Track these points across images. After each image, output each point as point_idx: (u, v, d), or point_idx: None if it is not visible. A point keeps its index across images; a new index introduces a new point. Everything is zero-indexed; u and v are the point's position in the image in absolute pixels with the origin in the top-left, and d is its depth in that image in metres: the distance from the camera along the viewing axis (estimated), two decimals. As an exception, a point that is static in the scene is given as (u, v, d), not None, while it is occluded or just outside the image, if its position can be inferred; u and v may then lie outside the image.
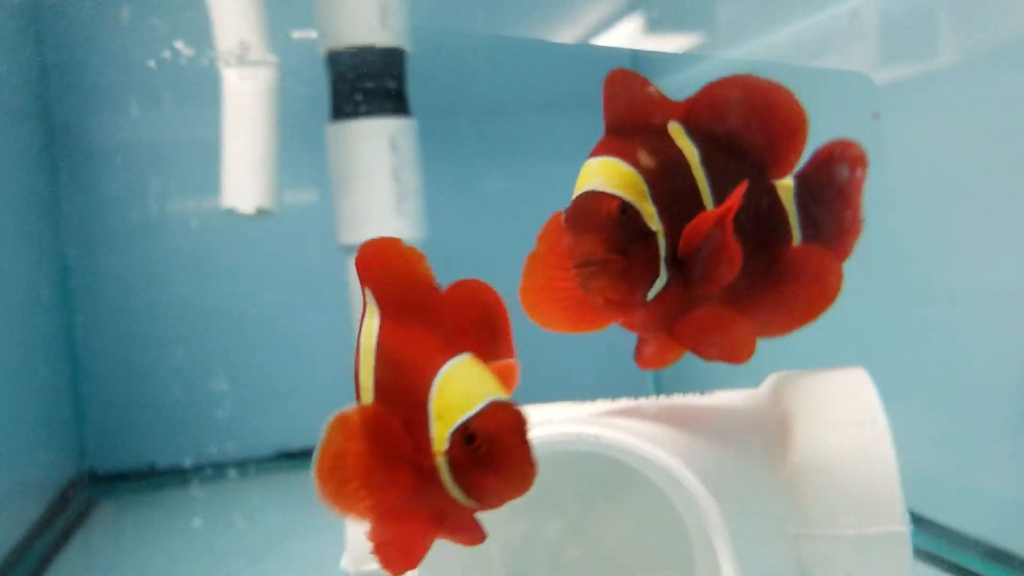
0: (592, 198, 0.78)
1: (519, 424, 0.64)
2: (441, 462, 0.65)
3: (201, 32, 1.40)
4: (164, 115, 1.76)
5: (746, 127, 0.85)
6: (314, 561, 1.43)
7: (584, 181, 0.79)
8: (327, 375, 1.79)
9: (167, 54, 1.55)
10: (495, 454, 0.64)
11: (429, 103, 1.63)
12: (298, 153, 1.58)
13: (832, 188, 0.91)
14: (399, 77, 1.54)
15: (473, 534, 0.69)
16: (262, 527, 1.68)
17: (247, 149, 1.37)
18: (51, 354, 1.84)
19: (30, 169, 1.77)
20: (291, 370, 2.02)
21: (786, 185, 0.90)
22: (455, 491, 0.65)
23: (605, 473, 1.02)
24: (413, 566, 0.67)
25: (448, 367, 0.66)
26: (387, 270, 0.71)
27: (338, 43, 1.48)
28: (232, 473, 1.97)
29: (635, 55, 1.95)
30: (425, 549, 0.68)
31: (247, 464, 2.00)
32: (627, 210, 0.77)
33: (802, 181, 0.91)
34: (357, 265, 0.72)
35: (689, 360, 0.87)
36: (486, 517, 0.69)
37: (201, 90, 1.46)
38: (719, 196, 0.83)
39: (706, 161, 0.84)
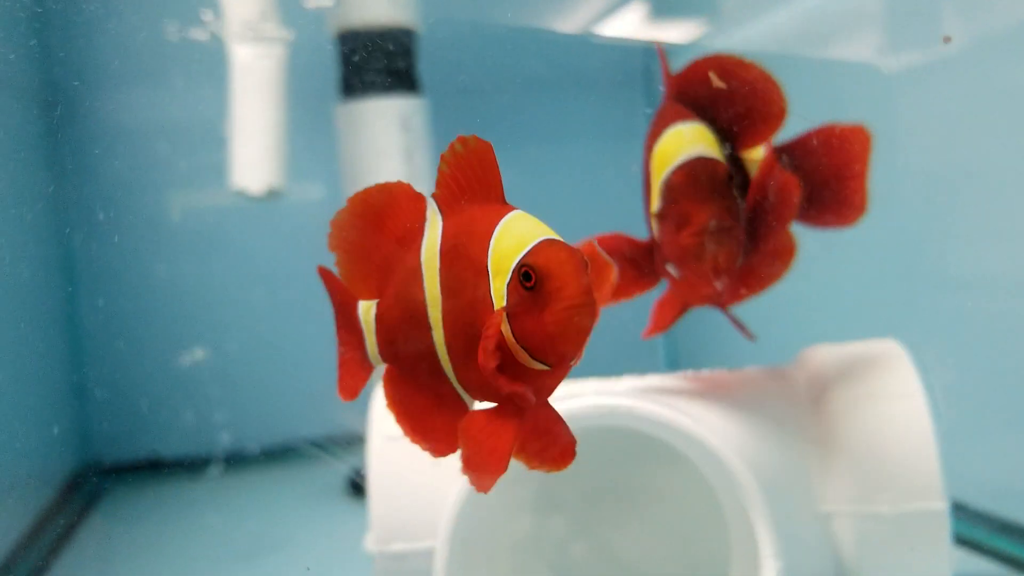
0: (707, 164, 0.78)
1: (574, 257, 0.60)
2: (505, 326, 0.60)
3: (208, 7, 1.37)
4: (171, 96, 1.73)
5: (726, 100, 0.86)
6: (327, 551, 1.41)
7: (684, 146, 0.79)
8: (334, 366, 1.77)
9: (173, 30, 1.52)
10: (552, 291, 0.59)
11: (439, 82, 1.61)
12: (306, 134, 1.55)
13: (832, 163, 0.91)
14: (410, 57, 1.51)
15: (559, 440, 0.63)
16: (271, 519, 1.65)
17: (256, 129, 1.34)
18: (54, 345, 1.81)
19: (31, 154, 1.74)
20: (299, 360, 1.99)
21: (755, 158, 0.90)
22: (522, 353, 0.60)
23: (630, 457, 0.99)
24: (502, 468, 0.61)
25: (500, 226, 0.62)
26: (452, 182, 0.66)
27: (349, 22, 1.44)
28: (238, 465, 1.95)
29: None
30: (510, 447, 0.61)
31: (252, 456, 1.98)
32: (732, 176, 0.79)
33: (796, 152, 0.91)
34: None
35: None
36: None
37: (209, 69, 1.42)
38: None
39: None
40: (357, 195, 0.67)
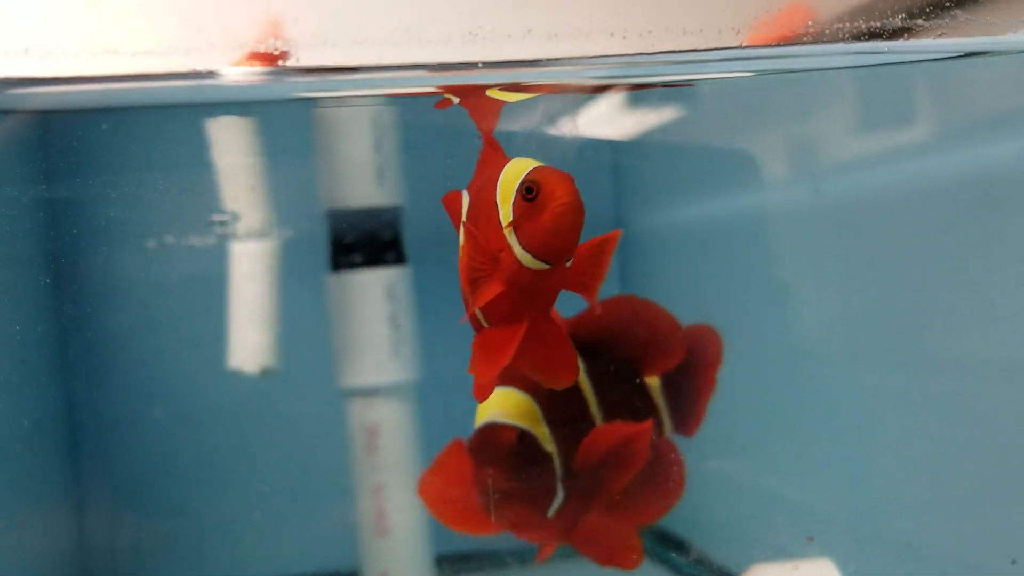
0: (491, 430, 0.87)
1: (564, 174, 0.76)
2: (510, 236, 0.77)
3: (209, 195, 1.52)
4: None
5: (626, 338, 0.95)
6: None
7: (484, 412, 0.88)
8: (329, 511, 1.83)
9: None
10: (548, 195, 0.74)
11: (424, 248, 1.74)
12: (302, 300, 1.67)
13: (689, 380, 1.00)
14: (396, 230, 1.65)
15: (562, 353, 0.80)
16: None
17: (250, 313, 1.47)
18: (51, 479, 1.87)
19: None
20: (293, 505, 2.04)
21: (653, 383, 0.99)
22: (524, 257, 0.77)
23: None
24: (494, 371, 0.78)
25: (504, 168, 0.81)
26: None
27: (337, 204, 1.59)
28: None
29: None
30: (508, 354, 0.78)
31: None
32: (524, 438, 0.87)
33: (666, 377, 1.00)
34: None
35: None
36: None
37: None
38: (602, 400, 0.92)
39: (590, 372, 0.93)
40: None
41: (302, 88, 0.94)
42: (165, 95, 0.97)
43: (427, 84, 0.97)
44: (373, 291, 1.62)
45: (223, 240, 1.47)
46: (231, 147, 1.45)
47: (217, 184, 1.51)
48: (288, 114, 1.64)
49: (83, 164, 1.88)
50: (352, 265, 1.62)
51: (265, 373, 1.46)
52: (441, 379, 1.72)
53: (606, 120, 1.78)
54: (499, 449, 0.85)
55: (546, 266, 0.77)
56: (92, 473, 1.96)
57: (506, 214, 0.78)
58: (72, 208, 1.89)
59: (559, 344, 0.81)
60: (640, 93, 1.67)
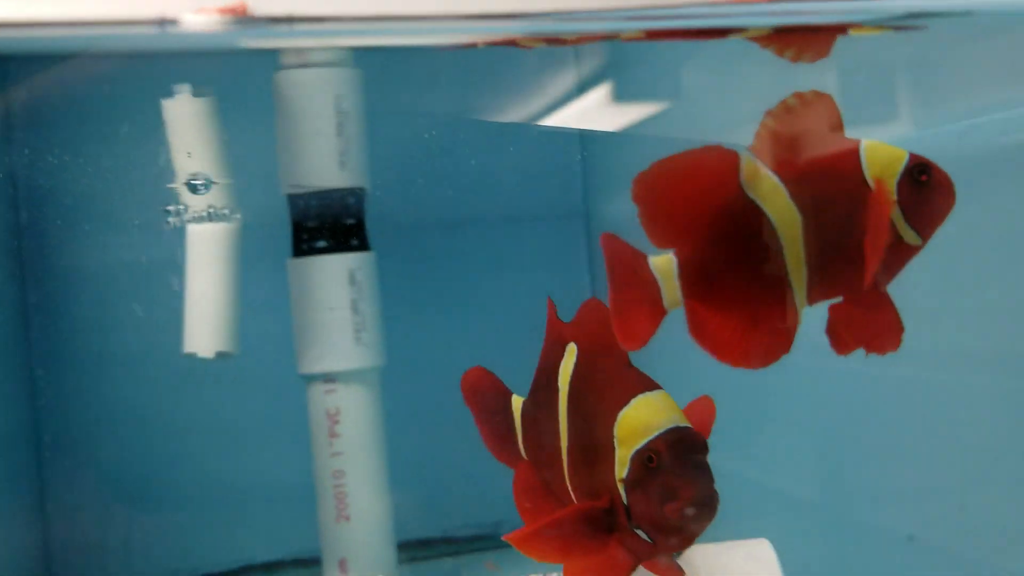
0: (690, 435, 0.74)
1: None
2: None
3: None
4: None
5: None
6: None
7: (658, 416, 0.75)
8: (290, 498, 1.82)
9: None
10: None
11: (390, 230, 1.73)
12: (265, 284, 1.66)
13: None
14: (358, 214, 1.64)
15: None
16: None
17: (207, 298, 1.44)
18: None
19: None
20: (254, 493, 2.03)
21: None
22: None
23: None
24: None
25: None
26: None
27: (299, 186, 1.57)
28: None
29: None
30: None
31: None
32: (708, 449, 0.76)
33: None
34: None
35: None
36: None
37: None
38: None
39: None
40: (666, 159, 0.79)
41: (263, 36, 0.90)
42: (120, 43, 0.93)
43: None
44: (334, 276, 1.60)
45: (178, 222, 1.45)
46: (189, 124, 1.42)
47: (176, 164, 1.48)
48: (250, 88, 1.61)
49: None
50: (314, 251, 1.61)
51: (220, 357, 1.44)
52: (402, 365, 1.71)
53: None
54: (703, 455, 0.71)
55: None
56: (51, 459, 1.93)
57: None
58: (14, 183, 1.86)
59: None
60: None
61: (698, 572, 1.04)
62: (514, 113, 1.83)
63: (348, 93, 1.55)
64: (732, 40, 0.99)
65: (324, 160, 1.55)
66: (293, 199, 1.60)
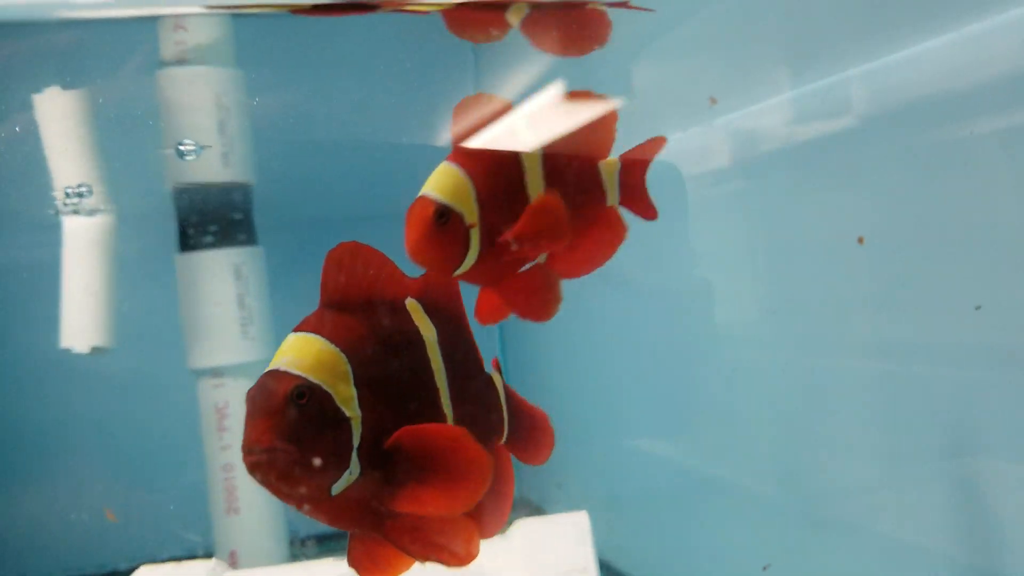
0: (272, 378, 0.73)
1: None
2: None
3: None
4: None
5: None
6: None
7: (274, 360, 0.75)
8: (180, 492, 1.82)
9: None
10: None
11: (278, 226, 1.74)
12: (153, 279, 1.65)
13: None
14: (245, 209, 1.65)
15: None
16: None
17: (82, 292, 1.45)
18: None
19: None
20: (143, 486, 2.01)
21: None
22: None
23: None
24: None
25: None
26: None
27: (182, 181, 1.58)
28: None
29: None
30: None
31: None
32: (308, 394, 0.73)
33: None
34: None
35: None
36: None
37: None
38: (452, 378, 0.83)
39: (442, 341, 0.83)
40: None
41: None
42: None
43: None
44: (219, 271, 1.61)
45: (57, 215, 1.44)
46: (60, 119, 1.42)
47: (56, 157, 1.47)
48: (133, 83, 1.60)
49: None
50: (199, 246, 1.62)
51: (95, 352, 1.44)
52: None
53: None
54: (273, 401, 0.71)
55: None
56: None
57: None
58: None
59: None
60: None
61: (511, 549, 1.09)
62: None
63: (230, 91, 1.56)
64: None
65: (209, 155, 1.56)
66: (178, 194, 1.61)
